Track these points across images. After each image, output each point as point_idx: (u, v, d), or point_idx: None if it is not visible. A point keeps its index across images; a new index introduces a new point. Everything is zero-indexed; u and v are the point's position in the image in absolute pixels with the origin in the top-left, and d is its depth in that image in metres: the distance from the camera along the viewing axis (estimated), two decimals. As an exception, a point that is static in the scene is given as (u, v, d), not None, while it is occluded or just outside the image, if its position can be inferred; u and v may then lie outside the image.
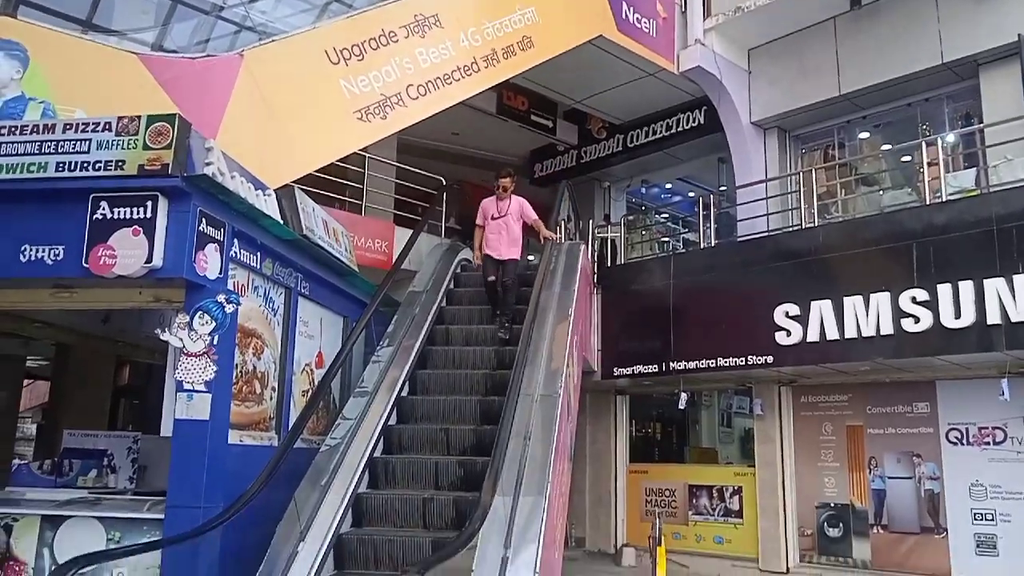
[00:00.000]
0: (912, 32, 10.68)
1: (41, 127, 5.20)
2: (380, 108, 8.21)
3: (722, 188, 13.66)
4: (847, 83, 11.27)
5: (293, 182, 7.37)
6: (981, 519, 8.74)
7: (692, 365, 10.04)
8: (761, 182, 11.67)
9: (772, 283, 9.43)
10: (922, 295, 8.19)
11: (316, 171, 8.20)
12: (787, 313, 9.14)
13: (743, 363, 9.53)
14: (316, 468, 5.91)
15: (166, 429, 5.32)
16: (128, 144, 5.07)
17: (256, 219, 5.98)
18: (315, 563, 5.29)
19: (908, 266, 8.36)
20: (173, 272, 5.12)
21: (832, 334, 8.77)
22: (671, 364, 10.23)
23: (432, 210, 10.47)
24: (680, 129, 13.43)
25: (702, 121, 13.02)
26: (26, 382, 12.53)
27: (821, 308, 8.88)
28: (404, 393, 7.26)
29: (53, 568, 4.68)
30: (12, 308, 6.20)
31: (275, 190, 6.55)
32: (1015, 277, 7.64)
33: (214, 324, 5.28)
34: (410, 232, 9.58)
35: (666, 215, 16.23)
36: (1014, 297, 7.62)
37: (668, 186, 16.25)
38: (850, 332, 8.64)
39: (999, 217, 7.90)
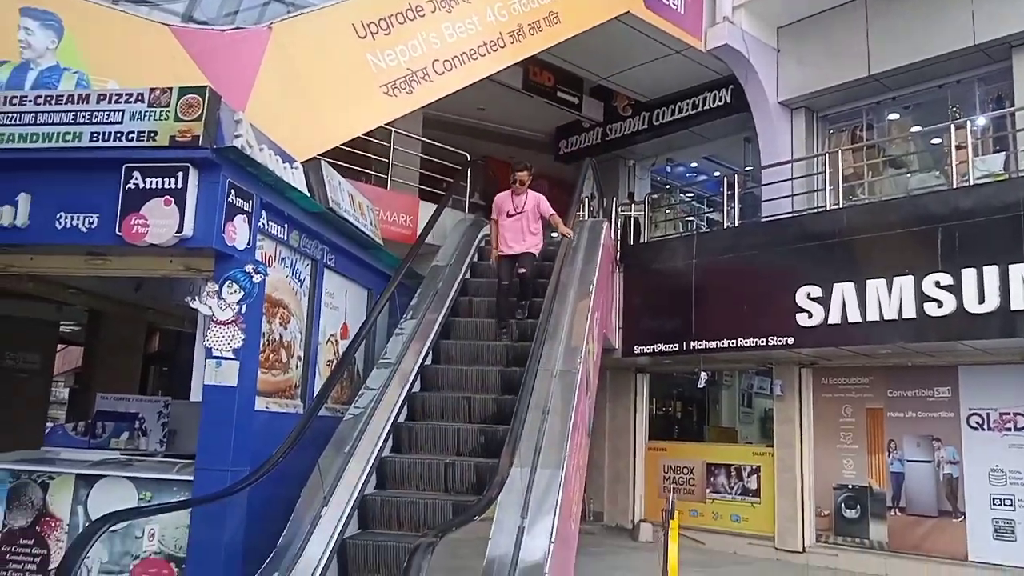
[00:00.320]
0: (944, 12, 10.52)
1: (76, 97, 5.32)
2: (406, 82, 8.27)
3: (748, 168, 13.58)
4: (877, 64, 11.14)
5: (319, 155, 7.47)
6: (1000, 504, 8.74)
7: (713, 345, 10.07)
8: (787, 163, 11.60)
9: (795, 264, 9.42)
10: (946, 279, 8.14)
11: (342, 144, 8.29)
12: (809, 295, 9.12)
13: (764, 344, 9.54)
14: (340, 435, 6.06)
15: (196, 394, 5.48)
16: (160, 116, 5.18)
17: (283, 191, 6.08)
18: (339, 522, 5.48)
19: (933, 250, 8.30)
20: (203, 242, 5.24)
21: (854, 317, 8.75)
22: (692, 343, 10.26)
23: (456, 185, 10.53)
24: (706, 108, 13.35)
25: (729, 100, 12.93)
26: (59, 347, 12.83)
27: (843, 291, 8.85)
28: (428, 362, 7.40)
29: (90, 523, 4.84)
30: (48, 274, 6.40)
31: (302, 163, 6.66)
32: (1041, 263, 7.58)
33: (242, 293, 5.41)
34: (434, 207, 9.66)
35: (691, 194, 16.18)
36: (1039, 283, 7.57)
37: (693, 165, 16.18)
38: (872, 315, 8.62)
39: (1027, 202, 7.82)
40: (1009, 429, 8.78)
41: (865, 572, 9.36)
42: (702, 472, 11.45)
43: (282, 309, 6.26)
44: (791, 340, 9.28)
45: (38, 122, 5.23)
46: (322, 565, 5.16)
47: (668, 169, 15.99)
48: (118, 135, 5.18)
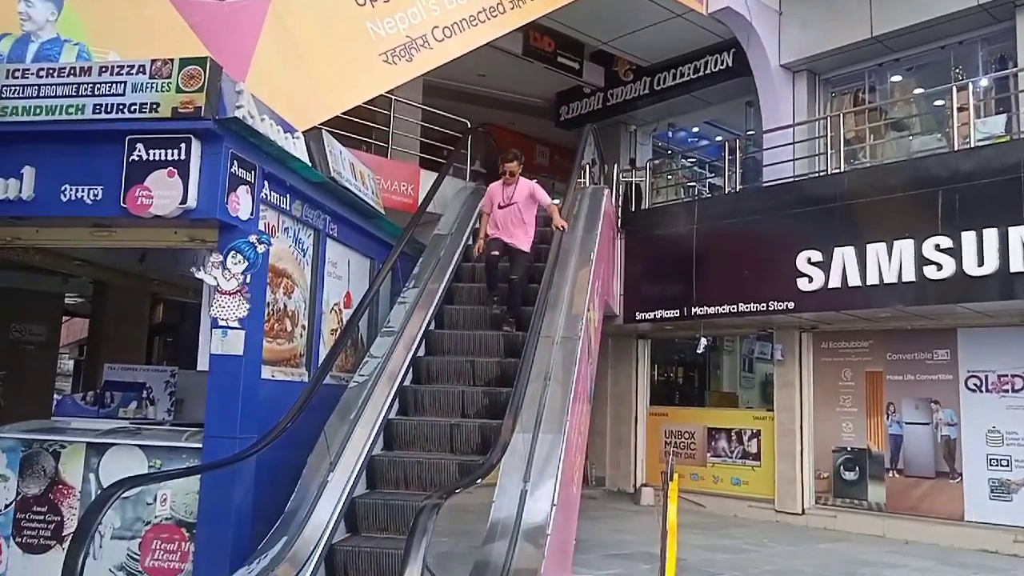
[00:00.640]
0: (948, -28, 10.42)
1: (78, 69, 5.33)
2: (406, 50, 8.25)
3: (749, 132, 13.54)
4: (880, 25, 11.05)
5: (320, 125, 7.48)
6: (996, 465, 8.86)
7: (714, 310, 10.14)
8: (788, 127, 11.56)
9: (796, 229, 9.45)
10: (946, 242, 8.18)
11: (342, 113, 8.29)
12: (810, 259, 9.17)
13: (764, 309, 9.62)
14: (346, 402, 6.16)
15: (202, 364, 5.56)
16: (162, 87, 5.20)
17: (285, 161, 6.11)
18: (348, 483, 5.61)
19: (933, 213, 8.33)
20: (207, 213, 5.27)
21: (854, 281, 8.81)
22: (693, 309, 10.34)
23: (457, 153, 10.53)
24: (708, 72, 13.24)
25: (730, 64, 12.84)
26: (64, 319, 12.94)
27: (844, 255, 8.90)
28: (431, 328, 7.50)
29: (104, 489, 4.95)
30: (53, 246, 6.46)
31: (303, 133, 6.67)
32: (1041, 225, 7.61)
33: (246, 263, 5.46)
34: (435, 175, 9.67)
35: (692, 159, 16.14)
36: (1039, 245, 7.60)
37: (695, 130, 16.12)
38: (872, 279, 8.68)
39: (1028, 164, 7.83)
40: (1007, 391, 8.88)
41: (863, 533, 9.52)
42: (703, 436, 11.59)
43: (286, 279, 6.32)
44: (792, 305, 9.36)
45: (41, 95, 5.24)
46: (330, 527, 5.28)
47: (669, 134, 15.93)
48: (120, 107, 5.20)
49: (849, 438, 10.07)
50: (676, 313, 10.54)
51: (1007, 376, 8.90)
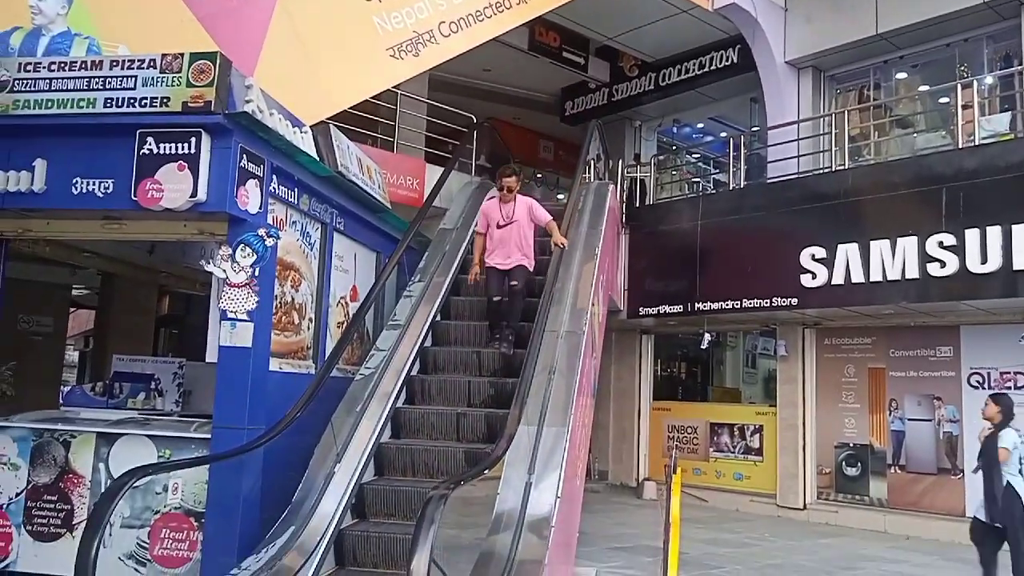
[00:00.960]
0: (954, -31, 10.42)
1: (89, 63, 5.38)
2: (412, 45, 8.28)
3: (754, 128, 13.56)
4: (885, 22, 11.06)
5: (326, 119, 7.52)
6: (998, 461, 8.89)
7: (717, 306, 10.19)
8: (793, 123, 11.59)
9: (800, 225, 9.49)
10: (949, 240, 8.22)
11: (348, 107, 8.33)
12: (813, 256, 9.21)
13: (768, 304, 9.66)
14: (352, 394, 6.21)
15: (211, 355, 5.62)
16: (172, 81, 5.24)
17: (293, 156, 6.15)
18: (356, 470, 5.69)
19: (937, 210, 8.37)
20: (216, 206, 5.33)
21: (857, 277, 8.86)
22: (696, 304, 10.38)
23: (463, 148, 10.56)
24: (713, 68, 13.27)
25: (735, 60, 12.85)
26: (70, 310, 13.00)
27: (847, 251, 8.94)
28: (438, 319, 7.57)
29: (115, 478, 5.01)
30: (64, 238, 6.52)
31: (311, 127, 6.72)
32: (1044, 223, 7.65)
33: (255, 257, 5.52)
34: (441, 170, 9.70)
35: (697, 155, 16.15)
36: (1042, 243, 7.64)
37: (700, 126, 16.13)
38: (875, 276, 8.72)
39: (1031, 162, 7.86)
40: (1009, 388, 8.90)
41: (864, 528, 9.59)
42: (706, 431, 11.65)
43: (293, 272, 6.37)
44: (795, 301, 9.40)
45: (53, 88, 5.30)
46: (338, 515, 5.35)
47: (674, 130, 15.95)
48: (131, 101, 5.25)
49: (851, 434, 10.12)
50: (679, 308, 10.59)
51: (1009, 373, 8.95)
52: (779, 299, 9.54)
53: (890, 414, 9.83)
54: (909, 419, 9.66)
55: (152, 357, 8.24)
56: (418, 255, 8.23)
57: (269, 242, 5.60)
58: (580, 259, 7.68)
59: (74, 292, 12.20)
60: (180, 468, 5.20)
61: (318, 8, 7.69)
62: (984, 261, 7.97)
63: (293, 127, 6.17)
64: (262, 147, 5.71)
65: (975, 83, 9.22)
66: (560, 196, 9.74)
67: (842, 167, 10.06)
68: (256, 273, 5.54)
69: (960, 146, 8.94)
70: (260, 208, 5.64)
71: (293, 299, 6.34)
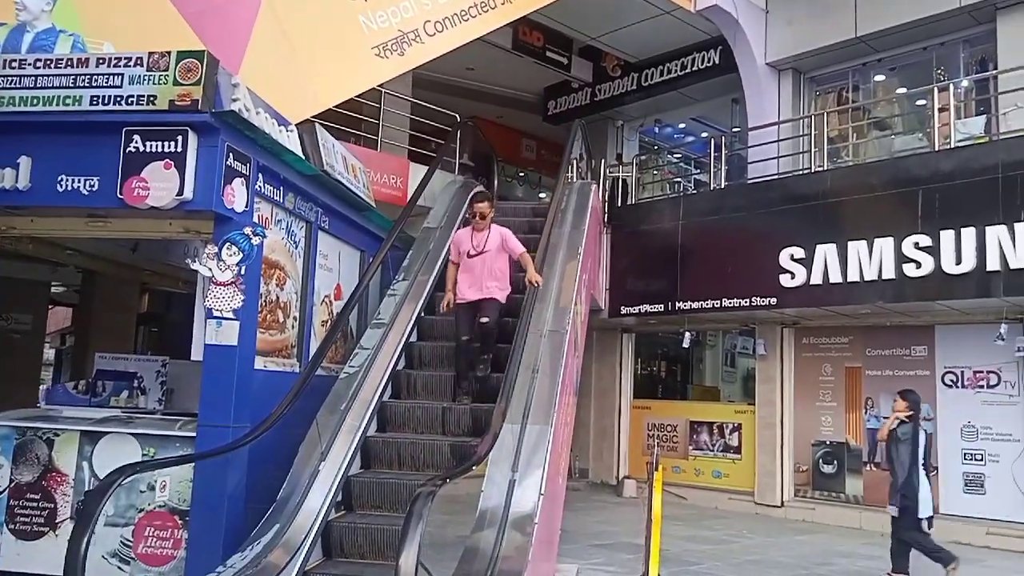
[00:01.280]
0: (932, -26, 10.59)
1: (75, 61, 5.35)
2: (398, 44, 8.32)
3: (735, 129, 13.70)
4: (864, 25, 11.23)
5: (312, 118, 7.54)
6: (971, 459, 9.09)
7: (697, 305, 10.30)
8: (773, 124, 11.73)
9: (779, 226, 9.61)
10: (925, 241, 8.37)
11: (333, 106, 8.34)
12: (792, 256, 9.34)
13: (747, 304, 9.78)
14: (336, 393, 6.24)
15: (196, 353, 5.62)
16: (159, 79, 5.24)
17: (279, 154, 6.16)
18: (343, 463, 5.73)
19: (913, 212, 8.52)
20: (202, 204, 5.33)
21: (835, 277, 8.99)
22: (677, 304, 10.49)
23: (446, 147, 10.60)
24: (695, 68, 13.40)
25: (717, 61, 13.00)
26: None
27: (826, 252, 9.08)
28: (423, 316, 7.64)
29: (103, 477, 5.01)
30: (48, 235, 6.48)
31: (296, 126, 6.73)
32: (1016, 225, 7.81)
33: (241, 255, 5.53)
34: (424, 168, 9.73)
35: (678, 155, 16.29)
36: (1014, 244, 7.80)
37: (681, 126, 16.27)
38: (853, 276, 8.86)
39: (1005, 165, 8.03)
40: (982, 386, 9.10)
41: (841, 525, 9.74)
42: (685, 430, 11.76)
43: (278, 270, 6.38)
44: (774, 300, 9.52)
45: (38, 85, 5.27)
46: (323, 512, 5.38)
47: (656, 130, 16.08)
48: (118, 99, 5.24)
49: (828, 432, 10.27)
50: (660, 308, 10.70)
51: (982, 372, 9.12)
52: (758, 299, 9.66)
53: (866, 412, 9.98)
54: (884, 417, 9.77)
55: (134, 355, 8.19)
56: (402, 253, 8.26)
57: (255, 240, 5.61)
58: (563, 258, 7.73)
59: (52, 289, 12.11)
60: (167, 466, 5.20)
61: (304, 7, 7.71)
62: (959, 262, 8.13)
63: (279, 126, 6.18)
64: (248, 146, 5.72)
65: (951, 86, 9.39)
66: (542, 195, 9.81)
67: (821, 168, 10.20)
68: (242, 271, 5.55)
69: (936, 148, 9.10)
70: (246, 207, 5.65)
71: (278, 298, 6.36)
